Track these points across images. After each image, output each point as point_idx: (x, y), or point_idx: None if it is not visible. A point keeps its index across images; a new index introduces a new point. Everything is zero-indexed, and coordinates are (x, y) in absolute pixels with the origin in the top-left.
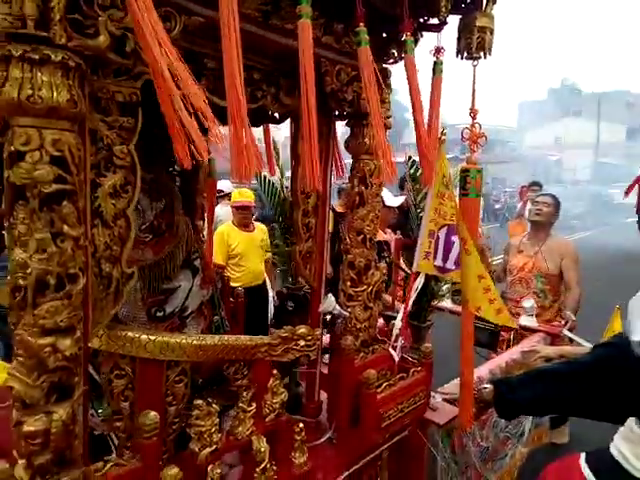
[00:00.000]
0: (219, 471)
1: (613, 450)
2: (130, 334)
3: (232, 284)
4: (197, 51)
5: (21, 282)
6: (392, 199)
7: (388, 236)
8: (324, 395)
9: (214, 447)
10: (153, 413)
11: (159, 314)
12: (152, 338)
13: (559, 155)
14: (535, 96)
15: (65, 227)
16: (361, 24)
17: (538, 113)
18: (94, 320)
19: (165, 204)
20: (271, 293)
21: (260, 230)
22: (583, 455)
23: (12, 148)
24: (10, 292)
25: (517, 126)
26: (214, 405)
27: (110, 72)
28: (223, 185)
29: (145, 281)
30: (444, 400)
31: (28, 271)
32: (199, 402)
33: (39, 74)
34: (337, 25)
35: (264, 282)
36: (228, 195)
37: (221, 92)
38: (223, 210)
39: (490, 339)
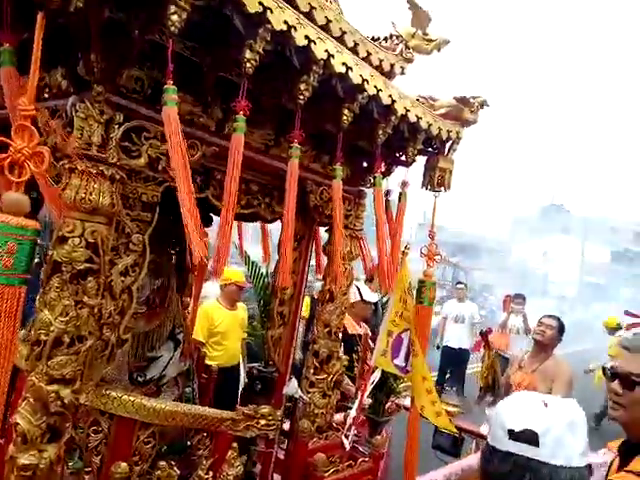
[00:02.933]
0: None
1: None
2: (114, 393)
3: (210, 362)
4: (207, 166)
5: (43, 337)
6: (370, 294)
7: (362, 330)
8: (278, 478)
9: None
10: (124, 464)
11: (140, 379)
12: (132, 399)
13: (546, 269)
14: (526, 211)
15: (85, 298)
16: (338, 164)
17: (528, 227)
18: (87, 377)
19: (162, 282)
20: (242, 373)
21: (242, 309)
22: None
23: (60, 233)
24: (31, 345)
25: (508, 237)
26: (175, 469)
27: (140, 179)
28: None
29: (132, 348)
30: None
31: (51, 329)
32: (163, 463)
33: (92, 183)
34: (324, 156)
35: (238, 362)
36: None
37: (222, 198)
38: (212, 286)
39: (453, 445)
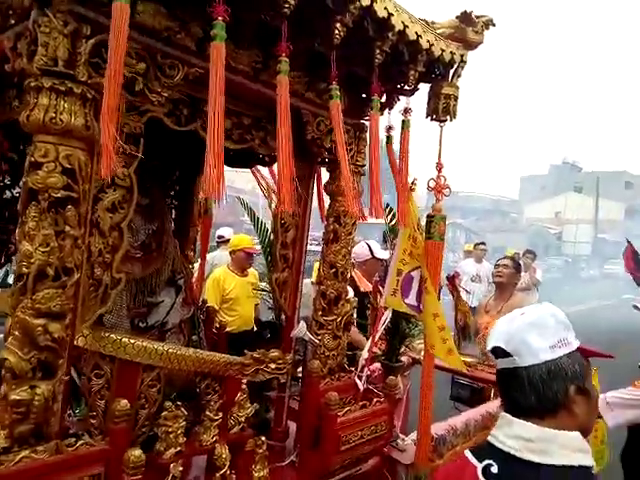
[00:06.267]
0: (180, 468)
1: (489, 437)
2: (113, 336)
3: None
4: (194, 96)
5: (25, 270)
6: (381, 252)
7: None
8: (294, 426)
9: (178, 449)
10: (125, 401)
11: (141, 325)
12: (132, 341)
13: (559, 229)
14: (537, 171)
15: (67, 227)
16: (334, 82)
17: (539, 187)
18: (81, 316)
19: (157, 226)
20: None
21: (252, 275)
22: (468, 449)
23: (32, 159)
24: (14, 279)
25: (519, 198)
26: (182, 409)
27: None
28: (224, 232)
29: (131, 293)
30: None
31: (32, 261)
32: (168, 404)
33: (62, 102)
34: (319, 83)
35: (253, 328)
36: (228, 240)
37: None
38: (221, 254)
39: (472, 395)
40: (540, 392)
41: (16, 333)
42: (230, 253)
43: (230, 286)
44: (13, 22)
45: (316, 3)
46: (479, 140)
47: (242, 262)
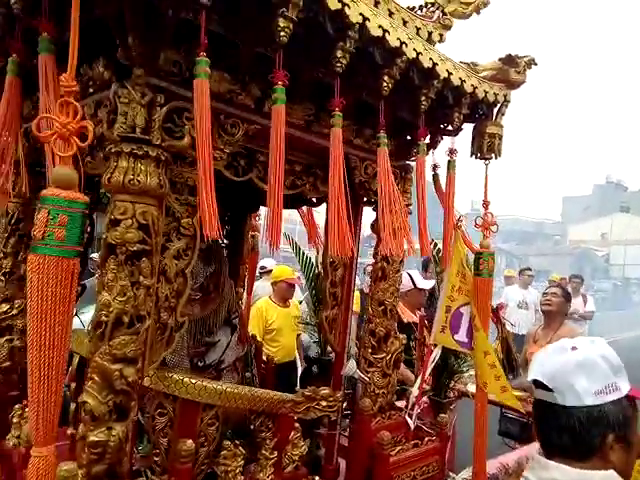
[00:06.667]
0: None
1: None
2: (175, 376)
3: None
4: (250, 148)
5: (104, 318)
6: (423, 282)
7: (419, 317)
8: (344, 463)
9: None
10: (190, 441)
11: (200, 364)
12: (193, 381)
13: (606, 250)
14: (580, 191)
15: (141, 278)
16: (382, 131)
17: (583, 208)
18: (149, 359)
19: (215, 268)
20: (299, 368)
21: (294, 306)
22: None
23: (112, 216)
24: (93, 326)
25: (562, 220)
26: (240, 448)
27: (186, 163)
28: (267, 262)
29: (191, 334)
30: None
31: (110, 309)
32: (227, 443)
33: (139, 165)
34: (366, 130)
35: (295, 359)
36: (271, 271)
37: (267, 178)
38: (263, 284)
39: (521, 430)
40: (576, 434)
41: (95, 377)
42: (272, 284)
43: (272, 317)
44: (92, 91)
45: (365, 59)
46: (519, 161)
47: (284, 293)
